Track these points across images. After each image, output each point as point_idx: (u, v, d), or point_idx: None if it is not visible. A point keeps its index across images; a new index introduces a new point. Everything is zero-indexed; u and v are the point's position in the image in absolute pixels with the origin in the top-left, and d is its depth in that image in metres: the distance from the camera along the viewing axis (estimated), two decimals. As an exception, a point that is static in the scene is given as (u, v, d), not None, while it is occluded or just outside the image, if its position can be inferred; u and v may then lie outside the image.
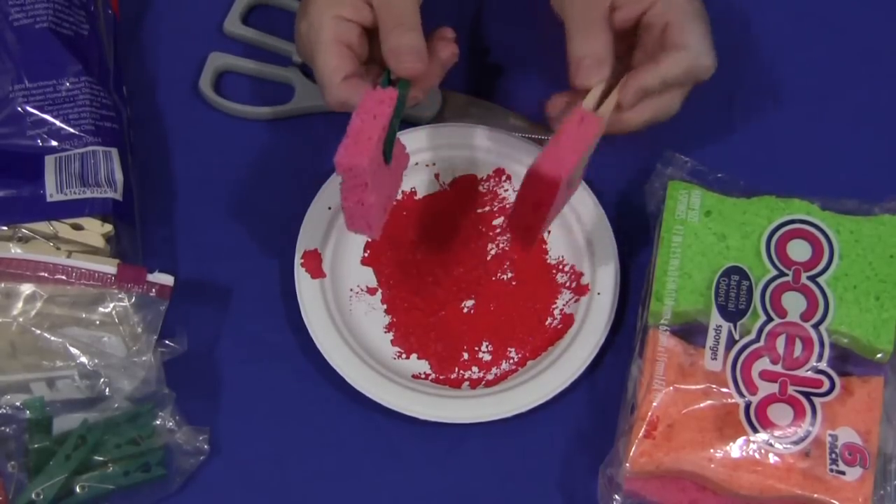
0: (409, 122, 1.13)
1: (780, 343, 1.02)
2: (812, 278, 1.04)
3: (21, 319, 1.02)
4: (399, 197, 1.11)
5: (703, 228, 1.06)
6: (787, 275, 1.04)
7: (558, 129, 0.99)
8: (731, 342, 1.02)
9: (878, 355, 1.03)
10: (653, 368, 1.02)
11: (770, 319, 1.03)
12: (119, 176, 1.06)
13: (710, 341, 1.02)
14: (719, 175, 1.09)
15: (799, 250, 1.05)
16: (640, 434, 1.00)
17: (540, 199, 0.99)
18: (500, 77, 1.17)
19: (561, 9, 1.05)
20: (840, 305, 1.03)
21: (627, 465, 1.00)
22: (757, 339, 1.02)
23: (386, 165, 1.00)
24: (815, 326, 1.02)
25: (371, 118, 0.98)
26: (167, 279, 1.05)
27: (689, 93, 1.07)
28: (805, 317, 1.03)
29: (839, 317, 1.03)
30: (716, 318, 1.03)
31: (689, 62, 1.03)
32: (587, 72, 1.02)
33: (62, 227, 1.05)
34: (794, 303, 1.03)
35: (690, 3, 1.04)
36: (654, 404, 1.01)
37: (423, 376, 1.07)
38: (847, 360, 1.03)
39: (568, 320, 1.08)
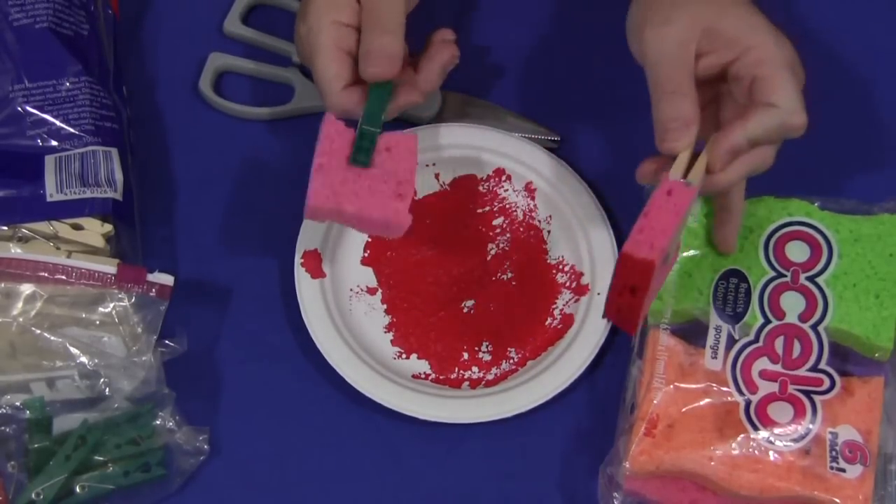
0: (408, 122, 1.13)
1: (779, 343, 1.02)
2: (811, 279, 1.04)
3: (21, 319, 1.02)
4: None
5: (702, 230, 1.06)
6: (785, 276, 1.04)
7: (647, 204, 0.95)
8: (731, 342, 1.02)
9: (878, 354, 1.03)
10: (653, 367, 1.02)
11: (768, 321, 1.03)
12: (119, 176, 1.06)
13: (710, 341, 1.03)
14: (719, 175, 1.09)
15: (797, 251, 1.05)
16: (640, 433, 1.00)
17: (636, 282, 0.95)
18: (500, 77, 1.17)
19: (642, 58, 1.00)
20: (839, 304, 1.03)
21: (627, 464, 1.00)
22: (756, 340, 1.02)
23: (367, 168, 1.01)
24: (814, 327, 1.02)
25: (326, 139, 1.00)
26: (167, 279, 1.05)
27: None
28: (804, 317, 1.03)
29: (839, 315, 1.03)
30: (715, 319, 1.03)
31: (778, 121, 0.98)
32: (674, 136, 0.98)
33: (62, 227, 1.05)
34: (792, 303, 1.03)
35: (781, 51, 0.99)
36: (655, 403, 1.01)
37: (423, 376, 1.07)
38: (847, 360, 1.03)
39: (568, 320, 1.08)
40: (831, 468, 0.99)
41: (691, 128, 0.98)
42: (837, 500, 0.98)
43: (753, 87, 0.98)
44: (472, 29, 1.18)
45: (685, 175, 0.97)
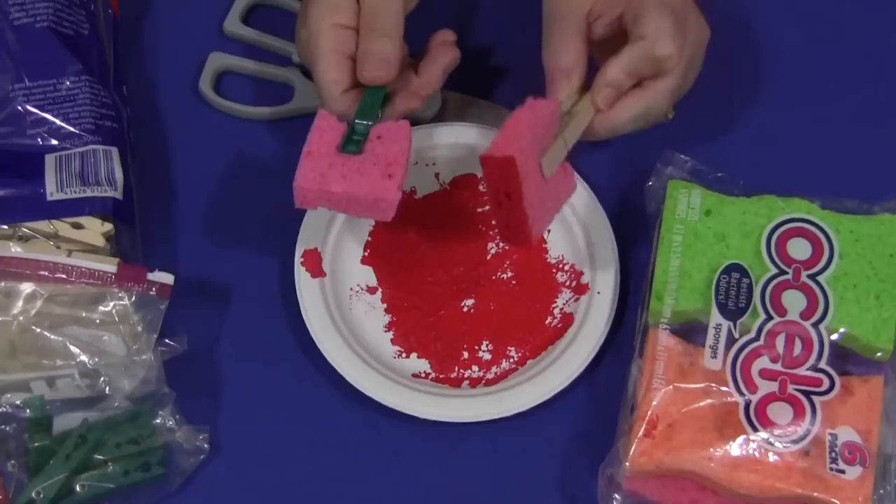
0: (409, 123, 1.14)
1: (780, 342, 1.02)
2: (812, 277, 1.04)
3: (21, 318, 1.02)
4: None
5: (703, 228, 1.06)
6: (787, 273, 1.04)
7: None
8: (731, 341, 1.02)
9: (878, 354, 1.03)
10: (652, 367, 1.02)
11: (770, 318, 1.03)
12: (119, 175, 1.06)
13: (709, 340, 1.02)
14: (719, 174, 1.09)
15: (799, 249, 1.05)
16: (640, 433, 1.00)
17: (506, 187, 0.98)
18: (500, 77, 1.17)
19: (543, 16, 1.06)
20: (840, 304, 1.03)
21: (627, 464, 1.00)
22: (756, 338, 1.02)
23: (354, 154, 1.01)
24: (815, 325, 1.02)
25: (316, 128, 1.02)
26: (167, 278, 1.05)
27: (685, 95, 1.07)
28: (805, 315, 1.03)
29: (839, 316, 1.03)
30: (716, 317, 1.03)
31: (645, 51, 1.02)
32: (556, 84, 1.03)
33: (62, 226, 1.05)
34: (794, 301, 1.03)
35: None
36: (654, 403, 1.01)
37: (423, 375, 1.07)
38: (847, 360, 1.03)
39: (568, 319, 1.08)
40: (831, 469, 0.99)
41: (572, 77, 1.04)
42: (837, 501, 0.98)
43: (632, 25, 1.03)
44: (472, 29, 1.18)
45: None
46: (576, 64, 1.04)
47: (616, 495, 1.01)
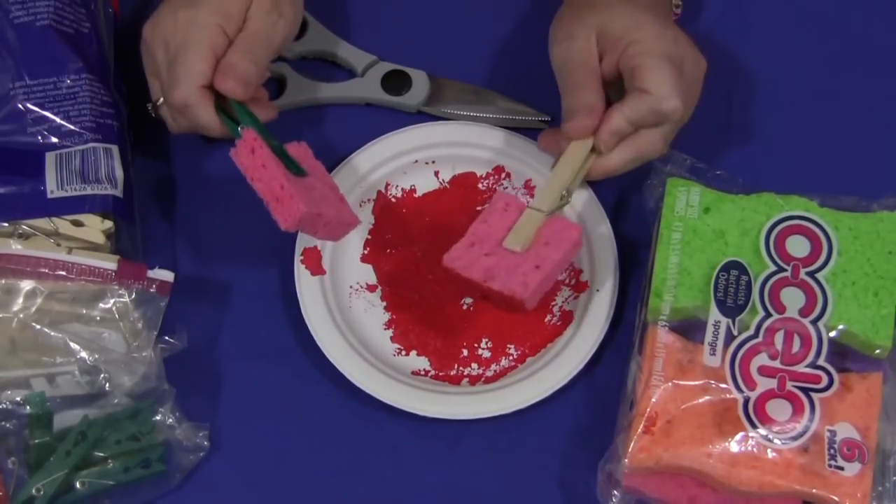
0: (395, 111, 1.14)
1: (779, 339, 1.02)
2: (811, 274, 1.04)
3: (21, 315, 1.02)
4: (399, 195, 1.12)
5: (702, 225, 1.06)
6: (785, 270, 1.04)
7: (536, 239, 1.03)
8: (730, 338, 1.03)
9: (877, 351, 1.03)
10: (651, 364, 1.02)
11: (769, 315, 1.03)
12: (119, 173, 1.07)
13: (708, 337, 1.03)
14: (718, 172, 1.09)
15: (798, 246, 1.05)
16: (639, 430, 1.01)
17: (513, 307, 1.02)
18: (489, 62, 1.17)
19: (555, 70, 1.08)
20: (839, 301, 1.03)
21: (626, 461, 1.00)
22: (755, 335, 1.02)
23: (306, 178, 1.03)
24: (814, 322, 1.03)
25: (261, 167, 1.01)
26: (167, 275, 1.05)
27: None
28: (804, 312, 1.03)
29: (838, 312, 1.03)
30: (714, 314, 1.03)
31: (650, 105, 1.04)
32: (579, 119, 1.05)
33: (63, 224, 1.05)
34: (792, 298, 1.03)
35: (659, 42, 1.05)
36: (653, 400, 1.01)
37: (422, 373, 1.07)
38: (846, 356, 1.03)
39: (567, 317, 1.08)
40: (830, 466, 0.99)
41: (594, 114, 1.05)
42: (836, 498, 0.98)
43: (632, 75, 1.05)
44: (472, 18, 1.18)
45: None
46: (597, 102, 1.05)
47: (615, 492, 1.02)
